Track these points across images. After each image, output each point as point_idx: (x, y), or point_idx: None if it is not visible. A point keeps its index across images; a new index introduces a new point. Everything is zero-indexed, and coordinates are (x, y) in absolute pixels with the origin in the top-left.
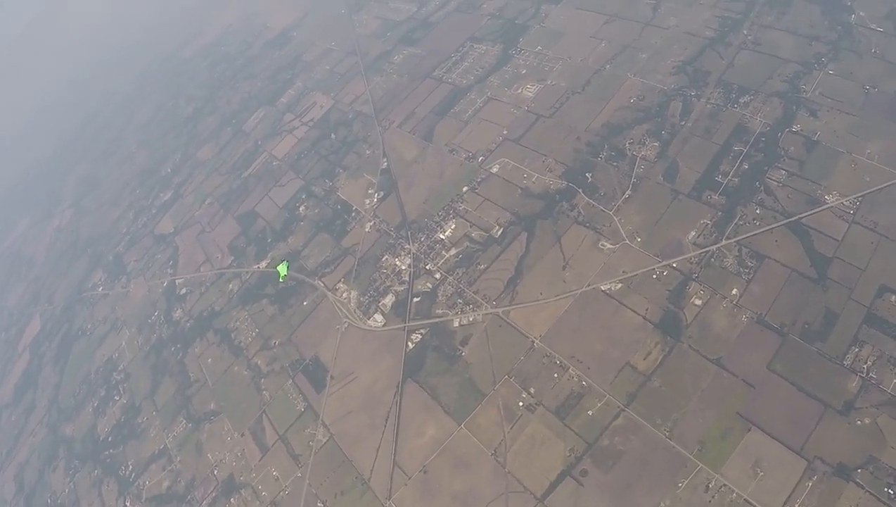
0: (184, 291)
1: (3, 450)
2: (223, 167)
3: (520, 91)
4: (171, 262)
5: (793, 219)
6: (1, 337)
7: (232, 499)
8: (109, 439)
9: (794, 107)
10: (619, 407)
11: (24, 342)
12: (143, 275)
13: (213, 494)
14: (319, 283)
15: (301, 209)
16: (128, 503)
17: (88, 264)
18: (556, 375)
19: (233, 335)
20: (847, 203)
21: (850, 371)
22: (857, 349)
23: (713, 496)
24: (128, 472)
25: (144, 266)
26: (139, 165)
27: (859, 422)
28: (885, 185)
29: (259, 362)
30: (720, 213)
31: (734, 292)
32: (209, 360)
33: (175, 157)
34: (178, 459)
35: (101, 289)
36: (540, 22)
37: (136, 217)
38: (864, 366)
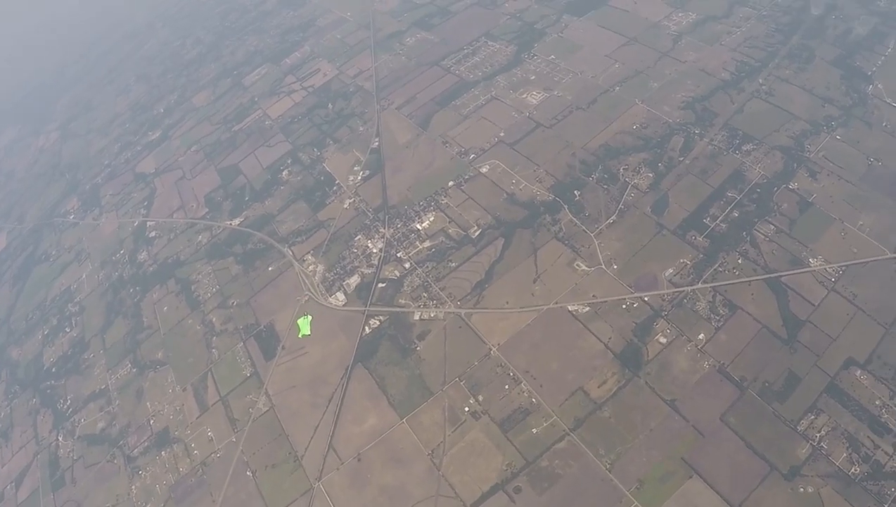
0: (153, 234)
1: None
2: (215, 117)
3: (525, 96)
4: (146, 202)
5: (773, 275)
6: None
7: (163, 452)
8: (53, 369)
9: (795, 165)
10: (564, 430)
11: None
12: (117, 211)
13: (146, 443)
14: (289, 251)
15: (284, 173)
16: (60, 438)
17: (65, 189)
18: (507, 386)
19: (193, 288)
20: (830, 270)
21: (803, 437)
22: (813, 417)
23: None
24: (65, 406)
25: (119, 202)
26: (134, 99)
27: (802, 489)
28: (871, 259)
29: (214, 320)
30: (702, 255)
31: (701, 336)
32: (165, 308)
33: (171, 97)
34: (117, 402)
35: (72, 217)
36: (559, 31)
37: (120, 151)
38: (818, 435)
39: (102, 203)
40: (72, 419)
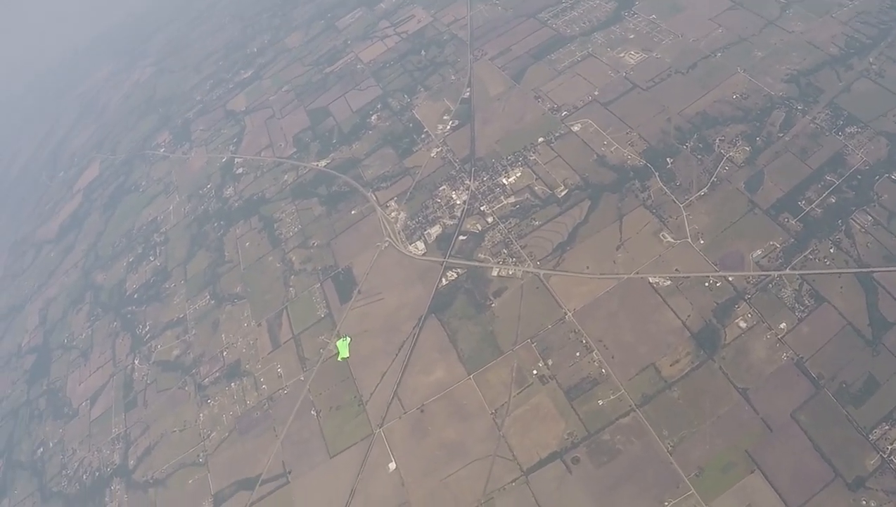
0: (240, 170)
1: (36, 283)
2: (307, 58)
3: (622, 55)
4: (235, 139)
5: (865, 270)
6: (60, 175)
7: (233, 384)
8: (135, 296)
9: None
10: (630, 406)
11: (79, 185)
12: (206, 146)
13: (217, 374)
14: (372, 196)
15: (373, 118)
16: (136, 362)
17: (157, 123)
18: (578, 353)
19: (275, 226)
20: None
21: (874, 448)
22: (887, 427)
23: None
24: (144, 332)
25: (209, 138)
26: (228, 38)
27: (864, 502)
28: None
29: (293, 259)
30: (793, 240)
31: (782, 326)
32: (247, 244)
33: (264, 38)
34: (194, 332)
35: (163, 150)
36: None
37: (212, 88)
38: (889, 447)
39: (193, 138)
40: (149, 345)
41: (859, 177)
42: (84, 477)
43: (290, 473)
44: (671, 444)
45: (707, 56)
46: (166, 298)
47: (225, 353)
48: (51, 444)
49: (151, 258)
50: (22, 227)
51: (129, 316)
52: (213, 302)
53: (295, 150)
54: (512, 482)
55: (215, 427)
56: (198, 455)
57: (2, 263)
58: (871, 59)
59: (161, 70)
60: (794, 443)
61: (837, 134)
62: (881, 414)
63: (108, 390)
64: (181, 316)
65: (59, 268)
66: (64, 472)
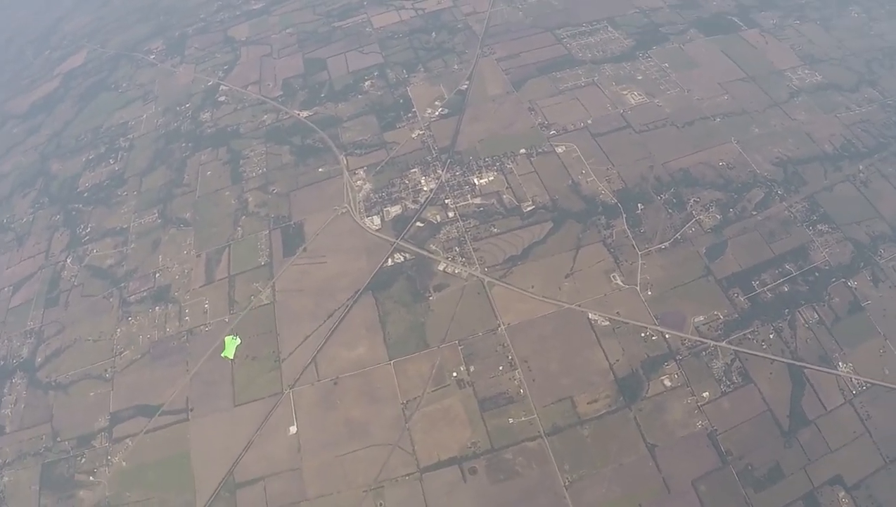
0: (223, 98)
1: None
2: (320, 8)
3: (625, 93)
4: (226, 66)
5: (798, 364)
6: (45, 54)
7: (157, 307)
8: (85, 194)
9: (862, 264)
10: (539, 432)
11: (61, 68)
12: (196, 65)
13: (144, 293)
14: (343, 159)
15: (367, 84)
16: (69, 260)
17: (154, 30)
18: (501, 367)
19: (241, 162)
20: (855, 381)
21: None
22: None
23: None
24: (84, 232)
25: (201, 58)
26: None
27: None
28: None
29: (249, 199)
30: (737, 315)
31: (705, 394)
32: (208, 172)
33: None
34: (133, 245)
35: (152, 57)
36: (681, 42)
37: (219, 10)
38: None
39: (185, 54)
40: (85, 247)
41: (817, 274)
42: None
43: (191, 410)
44: (569, 479)
45: (706, 118)
46: (115, 204)
47: (158, 275)
48: None
49: (111, 161)
50: None
51: (73, 213)
52: (159, 221)
53: (282, 93)
54: (406, 475)
55: (129, 346)
56: (105, 370)
57: None
58: (861, 167)
59: None
60: None
61: (808, 228)
62: (778, 505)
63: (34, 282)
64: (124, 226)
65: (17, 146)
66: None
